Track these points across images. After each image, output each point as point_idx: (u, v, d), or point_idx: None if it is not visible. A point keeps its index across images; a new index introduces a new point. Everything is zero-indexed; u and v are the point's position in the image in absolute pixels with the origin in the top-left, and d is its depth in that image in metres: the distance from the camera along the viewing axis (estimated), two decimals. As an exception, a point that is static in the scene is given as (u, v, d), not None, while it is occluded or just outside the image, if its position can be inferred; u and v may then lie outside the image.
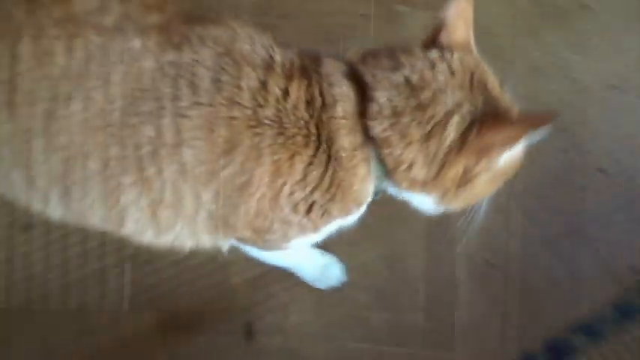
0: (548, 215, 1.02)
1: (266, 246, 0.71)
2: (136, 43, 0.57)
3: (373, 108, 0.58)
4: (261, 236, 0.66)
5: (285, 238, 0.66)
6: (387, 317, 0.94)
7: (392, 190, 0.65)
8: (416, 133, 0.57)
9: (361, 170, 0.60)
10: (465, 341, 0.93)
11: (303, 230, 0.65)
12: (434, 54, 0.60)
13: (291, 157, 0.57)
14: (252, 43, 0.59)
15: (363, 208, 0.66)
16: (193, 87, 0.56)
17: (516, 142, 0.57)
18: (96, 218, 0.62)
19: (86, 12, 0.58)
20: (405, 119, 0.57)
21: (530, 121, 0.56)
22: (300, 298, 0.94)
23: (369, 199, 0.65)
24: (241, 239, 0.69)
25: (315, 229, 0.65)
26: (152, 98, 0.56)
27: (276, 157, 0.57)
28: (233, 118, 0.57)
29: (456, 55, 0.60)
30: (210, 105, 0.56)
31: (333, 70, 0.60)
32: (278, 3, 1.13)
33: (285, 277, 0.93)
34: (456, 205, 0.64)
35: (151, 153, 0.57)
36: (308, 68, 0.60)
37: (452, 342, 0.95)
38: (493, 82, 0.61)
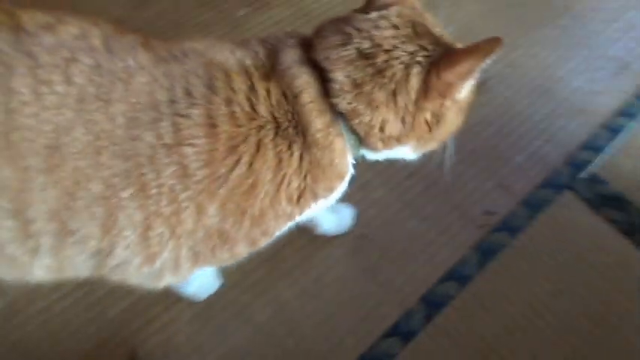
0: (404, 178, 1.09)
1: (236, 258, 0.70)
2: (129, 60, 0.57)
3: (335, 87, 0.61)
4: (254, 244, 0.67)
5: (269, 234, 0.68)
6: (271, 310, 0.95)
7: (368, 154, 0.69)
8: (381, 95, 0.60)
9: (338, 145, 0.64)
10: (350, 317, 0.96)
11: (287, 220, 0.67)
12: (373, 15, 0.63)
13: (289, 146, 0.61)
14: (223, 52, 0.62)
15: (345, 183, 0.70)
16: (189, 92, 0.58)
17: (474, 73, 0.60)
18: (84, 256, 0.59)
19: (73, 37, 0.56)
20: (367, 87, 0.60)
21: (481, 50, 0.58)
22: (181, 314, 0.93)
23: (351, 171, 0.68)
24: (217, 255, 0.66)
25: (300, 215, 0.68)
26: (150, 108, 0.56)
27: (277, 149, 0.60)
28: (234, 112, 0.58)
29: (392, 10, 0.63)
30: (210, 103, 0.58)
31: (290, 63, 0.62)
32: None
33: (161, 298, 0.92)
34: (432, 144, 0.68)
35: (149, 157, 0.56)
36: (274, 66, 0.62)
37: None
38: (434, 24, 0.64)
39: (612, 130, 1.21)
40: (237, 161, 0.59)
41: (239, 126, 0.59)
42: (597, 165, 1.15)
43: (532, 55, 1.30)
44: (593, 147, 1.17)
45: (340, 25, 0.63)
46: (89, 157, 0.55)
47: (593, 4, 1.44)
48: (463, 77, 0.60)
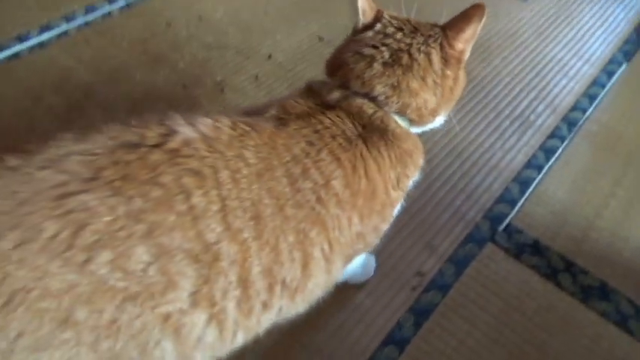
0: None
1: (371, 246, 0.85)
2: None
3: (380, 99, 0.75)
4: (379, 230, 0.81)
5: (389, 221, 0.83)
6: None
7: (418, 130, 0.83)
8: (416, 84, 0.75)
9: (407, 133, 0.79)
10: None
11: (397, 204, 0.82)
12: (377, 27, 0.78)
13: (379, 150, 0.75)
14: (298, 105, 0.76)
15: (422, 158, 0.84)
16: (309, 141, 0.70)
17: (475, 35, 0.77)
18: (283, 300, 0.69)
19: (238, 134, 0.67)
20: (404, 84, 0.75)
21: (473, 15, 0.75)
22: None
23: (421, 146, 0.84)
24: (357, 251, 0.81)
25: (402, 196, 0.83)
26: (296, 163, 0.68)
27: (374, 155, 0.74)
28: (340, 143, 0.71)
29: (384, 20, 0.79)
30: (326, 144, 0.70)
31: (341, 97, 0.76)
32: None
33: None
34: (453, 105, 0.84)
35: (317, 199, 0.68)
36: (326, 103, 0.76)
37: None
38: (413, 18, 0.81)
39: (523, 182, 1.32)
40: (360, 176, 0.72)
41: (347, 150, 0.72)
42: (513, 216, 1.24)
43: (445, 122, 1.42)
44: (507, 200, 1.27)
45: (357, 48, 0.77)
46: (278, 216, 0.65)
47: (494, 73, 1.61)
48: (469, 40, 0.78)
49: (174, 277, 0.58)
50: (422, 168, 0.86)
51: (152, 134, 0.62)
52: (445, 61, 0.77)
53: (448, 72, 0.78)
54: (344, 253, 0.75)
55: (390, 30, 0.78)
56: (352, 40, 0.81)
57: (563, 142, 1.43)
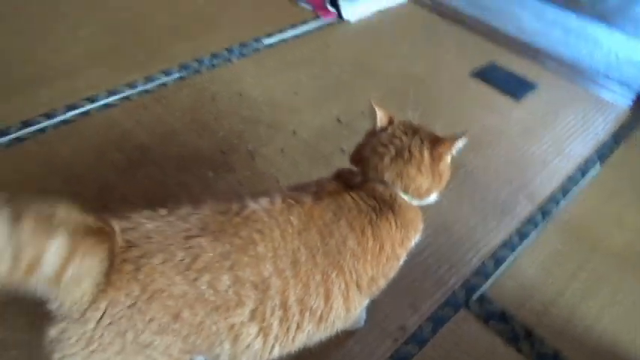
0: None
1: (380, 289, 1.10)
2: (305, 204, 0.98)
3: (389, 182, 1.04)
4: (388, 276, 1.08)
5: (395, 270, 1.10)
6: None
7: (419, 204, 1.10)
8: (413, 171, 1.04)
9: (409, 205, 1.07)
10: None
11: (402, 258, 1.09)
12: (389, 131, 1.08)
13: (387, 218, 1.02)
14: (329, 185, 1.07)
15: (422, 225, 1.12)
16: (333, 212, 0.99)
17: (453, 150, 1.07)
18: (311, 325, 0.96)
19: (280, 206, 0.96)
20: (405, 171, 1.03)
21: (452, 139, 1.06)
22: None
23: (421, 216, 1.11)
24: (372, 293, 1.09)
25: (406, 253, 1.10)
26: (325, 226, 0.97)
27: (382, 222, 1.01)
28: (355, 215, 0.99)
29: (397, 124, 1.10)
30: (346, 213, 0.99)
31: (361, 181, 1.06)
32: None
33: None
34: (442, 189, 1.12)
35: (337, 252, 0.96)
36: (349, 184, 1.07)
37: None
38: (417, 125, 1.10)
39: (498, 259, 1.56)
40: (367, 238, 0.99)
41: (358, 219, 0.99)
42: (486, 287, 1.48)
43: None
44: (483, 273, 1.52)
45: (374, 146, 1.07)
46: (311, 261, 0.92)
47: (482, 164, 1.89)
48: (448, 150, 1.07)
49: (243, 298, 0.87)
50: (421, 231, 1.13)
51: (234, 206, 0.92)
52: (432, 158, 1.06)
53: (434, 167, 1.06)
54: (361, 294, 1.02)
55: (398, 133, 1.07)
56: (370, 138, 1.11)
57: (536, 227, 1.68)
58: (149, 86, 2.07)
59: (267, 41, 2.42)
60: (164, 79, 2.11)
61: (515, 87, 2.32)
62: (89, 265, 0.75)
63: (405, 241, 1.06)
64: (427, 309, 1.41)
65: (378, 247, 1.00)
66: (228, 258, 0.86)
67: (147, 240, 0.83)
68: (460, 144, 1.06)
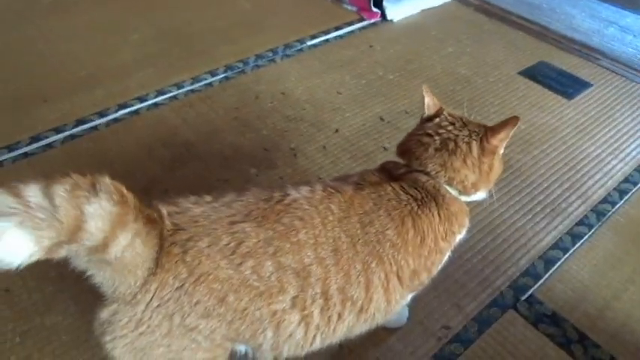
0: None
1: (423, 283, 1.07)
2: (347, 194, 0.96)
3: (432, 173, 1.01)
4: (431, 271, 1.04)
5: (438, 265, 1.06)
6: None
7: (468, 199, 1.07)
8: (458, 163, 1.00)
9: (454, 198, 1.03)
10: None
11: (445, 252, 1.06)
12: (436, 120, 1.05)
13: (430, 209, 0.99)
14: (371, 176, 1.05)
15: (468, 220, 1.09)
16: (373, 201, 0.97)
17: (507, 138, 1.02)
18: (352, 315, 0.94)
19: (320, 196, 0.95)
20: (449, 163, 1.00)
21: (508, 124, 1.00)
22: None
23: (468, 210, 1.08)
24: (415, 287, 1.06)
25: (450, 248, 1.07)
26: (367, 214, 0.94)
27: (424, 213, 0.98)
28: (394, 206, 0.97)
29: (442, 115, 1.05)
30: (386, 202, 0.97)
31: (405, 171, 1.04)
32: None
33: None
34: (491, 185, 1.08)
35: (377, 241, 0.93)
36: (392, 175, 1.05)
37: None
38: (466, 117, 1.07)
39: (548, 261, 1.49)
40: (408, 228, 0.96)
41: (397, 209, 0.96)
42: (536, 289, 1.42)
43: (480, 203, 1.64)
44: (532, 274, 1.45)
45: (418, 137, 1.04)
46: (351, 250, 0.91)
47: (532, 162, 1.82)
48: (502, 140, 1.02)
49: (285, 285, 0.86)
50: (467, 228, 1.09)
51: (276, 194, 0.92)
52: (482, 150, 1.02)
53: (484, 159, 1.02)
54: (402, 287, 0.99)
55: (445, 123, 1.04)
56: (418, 128, 1.08)
57: (590, 229, 1.60)
58: (195, 86, 2.12)
59: (311, 42, 2.44)
60: (210, 79, 2.16)
61: (567, 85, 2.23)
62: (141, 251, 0.77)
63: (448, 234, 1.02)
64: (472, 309, 1.36)
65: (419, 238, 0.97)
66: (271, 244, 0.85)
67: (194, 224, 0.83)
68: (512, 131, 1.02)
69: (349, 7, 2.71)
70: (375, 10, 2.61)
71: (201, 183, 1.68)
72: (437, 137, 1.02)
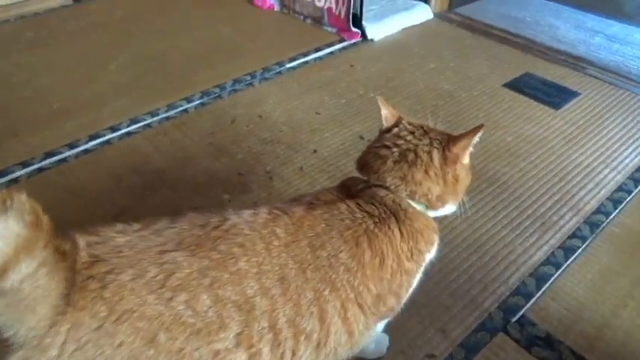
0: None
1: (393, 309, 0.97)
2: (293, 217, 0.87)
3: (392, 187, 0.93)
4: (399, 294, 0.94)
5: (407, 288, 0.96)
6: None
7: (435, 214, 0.98)
8: (419, 176, 0.92)
9: (418, 213, 0.95)
10: None
11: (414, 274, 0.95)
12: (394, 131, 0.97)
13: (389, 226, 0.90)
14: (326, 195, 0.96)
15: (437, 237, 0.98)
16: (327, 223, 0.88)
17: (469, 147, 0.95)
18: (309, 350, 0.83)
19: (263, 221, 0.85)
20: (409, 176, 0.92)
21: (472, 131, 0.93)
22: None
23: (436, 226, 0.98)
24: (383, 314, 0.96)
25: (419, 268, 0.96)
26: (317, 237, 0.85)
27: (382, 231, 0.89)
28: (347, 225, 0.88)
29: (401, 125, 0.98)
30: (339, 222, 0.88)
31: (364, 187, 0.95)
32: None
33: None
34: (459, 197, 1.00)
35: (329, 265, 0.84)
36: (351, 192, 0.96)
37: None
38: (427, 125, 1.00)
39: (540, 278, 1.39)
40: (363, 249, 0.87)
41: (351, 229, 0.87)
42: (527, 309, 1.31)
43: (465, 219, 1.55)
44: (523, 293, 1.35)
45: (376, 150, 0.97)
46: (300, 277, 0.81)
47: (519, 175, 1.74)
48: (464, 148, 0.94)
49: (226, 320, 0.76)
50: (437, 246, 0.99)
51: (214, 219, 0.83)
52: (444, 160, 0.93)
53: (447, 169, 0.94)
54: (365, 315, 0.88)
55: (404, 133, 0.96)
56: (376, 140, 1.00)
57: (584, 242, 1.50)
58: (171, 113, 2.06)
59: (290, 65, 2.39)
60: (185, 105, 2.11)
61: (554, 95, 2.16)
62: (45, 285, 0.67)
63: (415, 253, 0.93)
64: (459, 334, 1.25)
65: (378, 260, 0.88)
66: (207, 275, 0.76)
67: (116, 254, 0.74)
68: (476, 139, 0.94)
69: (329, 29, 2.67)
70: (354, 30, 2.57)
71: (172, 211, 1.58)
72: (395, 149, 0.94)
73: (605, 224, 1.56)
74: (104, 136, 1.93)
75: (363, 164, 0.98)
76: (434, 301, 1.32)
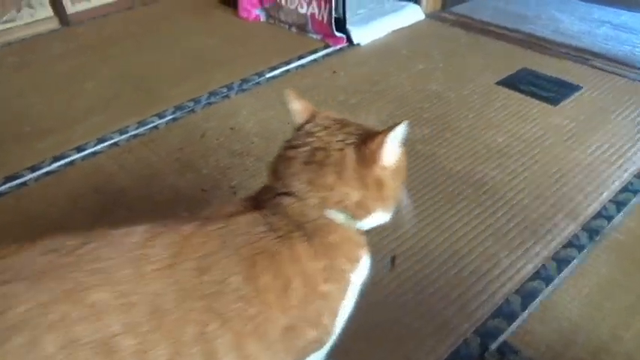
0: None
1: (318, 342, 0.80)
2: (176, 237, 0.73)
3: (299, 194, 0.76)
4: (320, 323, 0.77)
5: (331, 316, 0.79)
6: None
7: (362, 225, 0.81)
8: (331, 179, 0.75)
9: (335, 225, 0.77)
10: None
11: (336, 298, 0.78)
12: (307, 127, 0.81)
13: (292, 241, 0.74)
14: (228, 208, 0.80)
15: (365, 252, 0.81)
16: (223, 239, 0.73)
17: (388, 144, 0.76)
18: None
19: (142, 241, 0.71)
20: (319, 179, 0.75)
21: (395, 124, 0.75)
22: None
23: (362, 240, 0.81)
24: (307, 350, 0.79)
25: (343, 291, 0.79)
26: (204, 258, 0.70)
27: (285, 247, 0.73)
28: (242, 242, 0.73)
29: (317, 120, 0.81)
30: (234, 247, 0.72)
31: (269, 196, 0.79)
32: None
33: None
34: (390, 204, 0.82)
35: (217, 292, 0.69)
36: (259, 202, 0.80)
37: None
38: (347, 119, 0.83)
39: (527, 295, 1.20)
40: (262, 270, 0.71)
41: (246, 246, 0.72)
42: (510, 332, 1.13)
43: (442, 229, 1.38)
44: (505, 314, 1.17)
45: (281, 151, 0.81)
46: (179, 308, 0.67)
47: (509, 178, 1.56)
48: (383, 145, 0.75)
49: None
50: (365, 263, 0.82)
51: (71, 242, 0.68)
52: (362, 159, 0.76)
53: (364, 171, 0.77)
54: (272, 352, 0.73)
55: (315, 129, 0.79)
56: (287, 140, 0.83)
57: (580, 251, 1.30)
58: (140, 130, 1.96)
59: (270, 74, 2.28)
60: (157, 121, 2.01)
61: (552, 91, 1.97)
62: None
63: (332, 273, 0.76)
64: (427, 364, 1.08)
65: (280, 283, 0.72)
66: (54, 310, 0.62)
67: None
68: (398, 133, 0.76)
69: (314, 36, 2.56)
70: (338, 35, 2.44)
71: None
72: (304, 148, 0.78)
73: (606, 230, 1.36)
74: (69, 156, 1.85)
75: (271, 169, 0.83)
76: (399, 324, 1.16)
